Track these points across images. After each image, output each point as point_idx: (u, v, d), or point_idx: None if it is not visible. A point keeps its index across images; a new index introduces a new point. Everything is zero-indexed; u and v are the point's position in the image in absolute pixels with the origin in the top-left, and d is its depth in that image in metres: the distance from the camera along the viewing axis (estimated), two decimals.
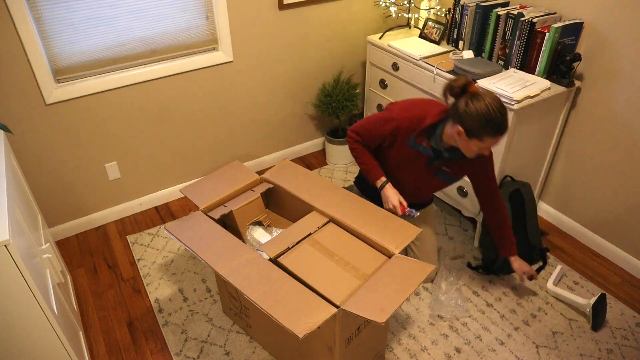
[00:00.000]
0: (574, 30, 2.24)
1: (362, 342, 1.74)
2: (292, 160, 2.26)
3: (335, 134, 3.14)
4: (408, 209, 1.97)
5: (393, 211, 1.97)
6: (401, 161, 1.97)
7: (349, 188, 2.27)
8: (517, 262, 2.14)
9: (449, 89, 1.73)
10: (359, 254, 1.70)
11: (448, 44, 2.71)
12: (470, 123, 1.66)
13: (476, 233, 2.56)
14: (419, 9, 2.89)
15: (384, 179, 1.99)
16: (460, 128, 1.70)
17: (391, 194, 1.97)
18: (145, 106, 2.52)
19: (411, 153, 1.93)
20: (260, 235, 1.97)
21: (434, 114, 1.84)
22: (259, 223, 2.03)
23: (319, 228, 1.80)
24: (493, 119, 1.63)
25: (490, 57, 2.49)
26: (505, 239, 2.11)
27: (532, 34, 2.25)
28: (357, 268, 1.64)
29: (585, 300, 2.13)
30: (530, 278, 2.15)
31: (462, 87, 1.70)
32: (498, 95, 2.13)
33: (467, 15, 2.51)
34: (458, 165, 1.94)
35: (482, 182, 1.99)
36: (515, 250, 2.13)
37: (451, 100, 1.75)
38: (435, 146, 1.88)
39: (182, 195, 2.92)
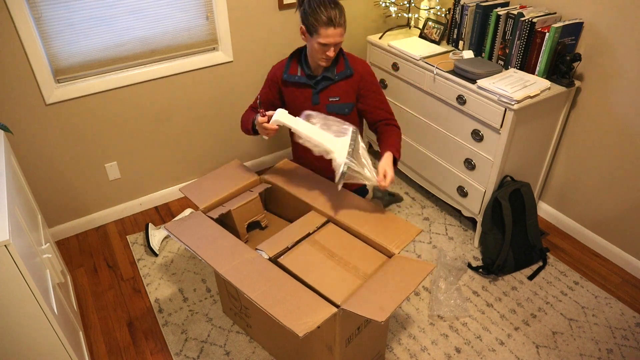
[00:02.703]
0: (574, 30, 2.24)
1: (362, 342, 1.74)
2: (292, 160, 2.26)
3: None
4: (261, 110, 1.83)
5: (267, 132, 1.82)
6: (293, 113, 1.92)
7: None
8: (384, 160, 1.84)
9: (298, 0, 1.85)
10: (358, 253, 1.70)
11: (448, 44, 2.71)
12: (307, 19, 1.79)
13: (476, 233, 2.56)
14: (419, 9, 2.89)
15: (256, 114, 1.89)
16: (303, 28, 1.82)
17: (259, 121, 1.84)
18: (145, 106, 2.52)
19: (295, 95, 1.96)
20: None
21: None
22: (256, 224, 2.04)
23: (317, 228, 1.80)
24: (323, 6, 1.74)
25: (490, 57, 2.50)
26: (389, 145, 1.93)
27: (532, 34, 2.25)
28: (357, 268, 1.64)
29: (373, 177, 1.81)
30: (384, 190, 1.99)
31: None
32: (498, 95, 2.14)
33: (467, 15, 2.51)
34: (341, 90, 1.94)
35: (370, 106, 1.97)
36: (392, 151, 1.87)
37: (301, 9, 1.85)
38: (308, 71, 1.93)
39: (182, 195, 2.92)
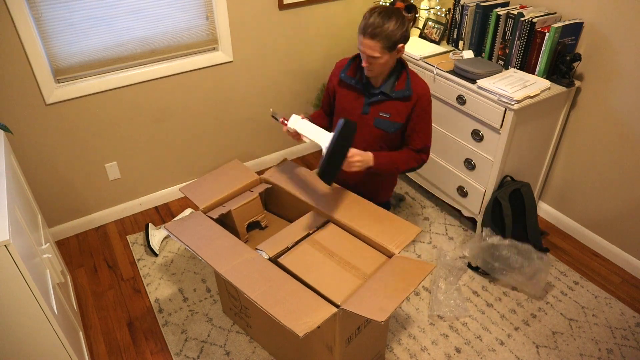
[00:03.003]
0: (574, 30, 2.24)
1: (362, 342, 1.74)
2: (292, 160, 2.26)
3: None
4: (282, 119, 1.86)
5: (293, 137, 1.86)
6: (341, 113, 1.95)
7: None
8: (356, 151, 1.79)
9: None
10: (358, 253, 1.70)
11: (448, 44, 2.71)
12: None
13: (476, 233, 2.56)
14: (419, 9, 2.89)
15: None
16: None
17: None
18: (145, 106, 2.52)
19: (347, 99, 1.93)
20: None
21: None
22: (255, 224, 2.04)
23: (317, 228, 1.80)
24: (370, 13, 1.70)
25: (490, 57, 2.50)
26: (383, 154, 1.90)
27: (532, 34, 2.25)
28: (357, 268, 1.64)
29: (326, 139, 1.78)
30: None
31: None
32: (498, 95, 2.14)
33: (467, 15, 2.51)
34: (395, 108, 1.88)
35: (414, 129, 1.90)
36: (376, 161, 1.84)
37: None
38: (366, 79, 1.88)
39: (182, 195, 2.91)
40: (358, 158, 1.76)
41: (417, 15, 1.99)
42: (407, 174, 2.96)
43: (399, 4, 1.76)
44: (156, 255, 2.46)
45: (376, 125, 1.89)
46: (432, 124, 2.57)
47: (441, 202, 2.85)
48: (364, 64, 1.78)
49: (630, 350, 2.03)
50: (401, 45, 1.74)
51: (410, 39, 2.77)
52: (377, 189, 2.05)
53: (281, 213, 2.12)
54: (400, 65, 1.85)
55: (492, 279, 2.34)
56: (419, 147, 1.91)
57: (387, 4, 1.78)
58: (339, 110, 1.97)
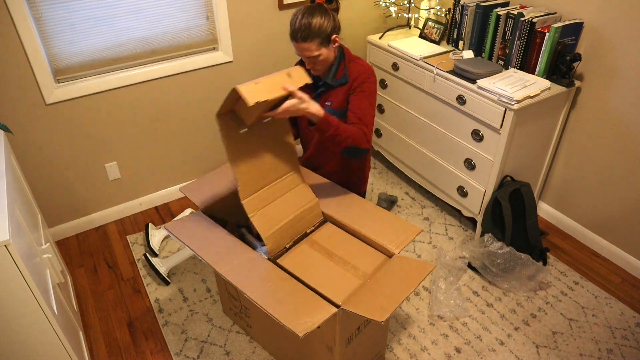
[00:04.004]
0: (574, 30, 2.24)
1: (362, 342, 1.74)
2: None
3: None
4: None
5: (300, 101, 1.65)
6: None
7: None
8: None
9: None
10: (358, 253, 1.70)
11: (448, 44, 2.71)
12: None
13: (476, 233, 2.56)
14: (419, 9, 2.89)
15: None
16: None
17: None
18: (145, 106, 2.52)
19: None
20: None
21: None
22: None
23: (314, 227, 1.80)
24: (294, 17, 1.74)
25: (490, 57, 2.50)
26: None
27: (532, 34, 2.25)
28: (357, 267, 1.64)
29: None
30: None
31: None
32: (498, 95, 2.14)
33: (467, 15, 2.51)
34: (336, 96, 1.92)
35: (350, 107, 1.88)
36: (328, 117, 1.72)
37: None
38: (314, 74, 1.92)
39: (182, 195, 2.91)
40: (302, 97, 1.60)
41: (338, 2, 2.00)
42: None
43: (319, 0, 1.79)
44: (156, 255, 2.46)
45: None
46: (432, 124, 2.58)
47: (441, 202, 2.85)
48: (307, 66, 1.84)
49: (630, 350, 2.03)
50: (334, 35, 1.80)
51: (410, 38, 2.77)
52: (349, 176, 2.11)
53: None
54: (341, 54, 1.91)
55: (492, 278, 2.34)
56: (353, 121, 1.82)
57: (308, 3, 1.81)
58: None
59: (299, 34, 1.73)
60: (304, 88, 1.75)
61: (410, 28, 2.96)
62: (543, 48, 2.24)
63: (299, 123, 2.13)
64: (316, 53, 1.78)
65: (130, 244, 2.57)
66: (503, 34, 2.38)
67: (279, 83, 1.57)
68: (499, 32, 2.40)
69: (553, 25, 2.19)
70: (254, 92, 1.47)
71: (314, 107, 1.66)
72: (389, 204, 2.80)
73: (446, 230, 2.66)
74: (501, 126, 2.19)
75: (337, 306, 1.47)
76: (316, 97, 1.95)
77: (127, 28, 2.30)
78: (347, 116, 1.90)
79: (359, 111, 1.86)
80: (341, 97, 1.91)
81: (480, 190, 2.42)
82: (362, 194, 2.20)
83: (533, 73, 2.32)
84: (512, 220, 2.34)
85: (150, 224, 2.57)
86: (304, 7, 1.77)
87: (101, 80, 2.34)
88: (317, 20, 1.72)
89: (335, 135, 1.73)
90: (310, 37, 1.74)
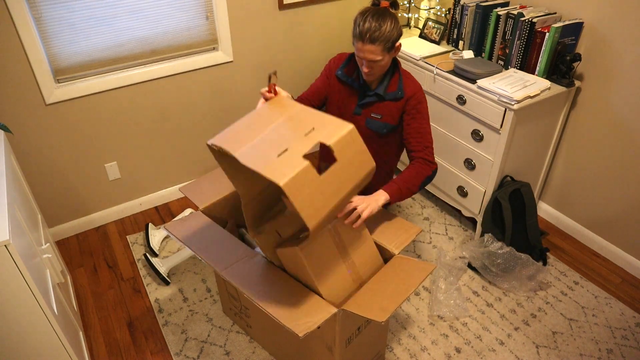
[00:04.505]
0: (574, 30, 2.24)
1: (362, 342, 1.74)
2: None
3: None
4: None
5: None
6: (331, 110, 1.92)
7: None
8: (370, 195, 1.73)
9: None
10: (361, 252, 1.69)
11: (448, 44, 2.71)
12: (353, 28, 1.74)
13: (476, 233, 2.56)
14: (419, 9, 2.89)
15: None
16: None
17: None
18: (145, 106, 2.52)
19: (341, 95, 1.89)
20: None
21: None
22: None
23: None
24: (363, 17, 1.68)
25: (490, 57, 2.50)
26: (393, 180, 1.82)
27: (532, 34, 2.25)
28: (357, 268, 1.64)
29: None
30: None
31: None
32: (498, 95, 2.14)
33: (467, 15, 2.52)
34: (386, 109, 1.86)
35: (409, 132, 1.85)
36: (389, 191, 1.74)
37: None
38: (362, 80, 1.86)
39: (182, 195, 2.91)
40: (361, 207, 1.60)
41: (397, 11, 1.96)
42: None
43: (384, 3, 1.75)
44: (156, 255, 2.46)
45: (367, 125, 1.89)
46: (433, 124, 2.58)
47: (441, 202, 2.85)
48: (365, 69, 1.76)
49: (630, 350, 2.03)
50: (398, 43, 1.75)
51: (410, 38, 2.77)
52: (371, 190, 2.04)
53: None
54: (394, 65, 1.85)
55: (492, 278, 2.34)
56: (419, 149, 1.84)
57: (373, 6, 1.77)
58: (331, 106, 1.97)
59: (368, 34, 1.66)
60: (337, 85, 1.75)
61: (410, 28, 2.96)
62: (543, 48, 2.24)
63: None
64: (379, 57, 1.71)
65: (130, 244, 2.57)
66: (503, 34, 2.38)
67: (336, 177, 1.27)
68: (499, 32, 2.40)
69: (553, 25, 2.19)
70: (312, 207, 1.20)
71: (377, 203, 1.66)
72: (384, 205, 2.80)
73: (446, 230, 2.66)
74: (501, 126, 2.19)
75: (337, 306, 1.47)
76: (360, 106, 1.88)
77: (127, 28, 2.30)
78: (405, 140, 1.86)
79: (422, 139, 1.83)
80: (394, 112, 1.85)
81: (480, 190, 2.42)
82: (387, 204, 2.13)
83: (533, 73, 2.32)
84: (512, 220, 2.34)
85: (150, 224, 2.57)
86: (371, 8, 1.71)
87: (101, 80, 2.34)
88: (387, 25, 1.67)
89: (410, 194, 1.78)
90: (379, 41, 1.67)
